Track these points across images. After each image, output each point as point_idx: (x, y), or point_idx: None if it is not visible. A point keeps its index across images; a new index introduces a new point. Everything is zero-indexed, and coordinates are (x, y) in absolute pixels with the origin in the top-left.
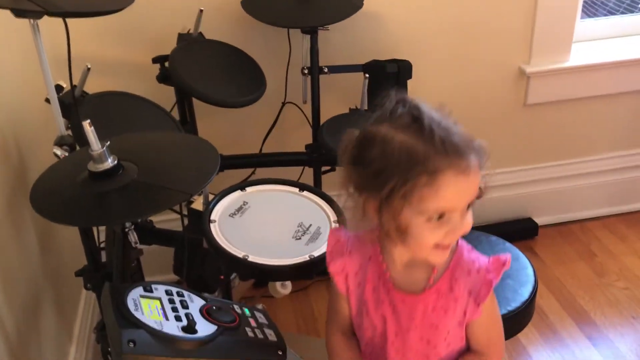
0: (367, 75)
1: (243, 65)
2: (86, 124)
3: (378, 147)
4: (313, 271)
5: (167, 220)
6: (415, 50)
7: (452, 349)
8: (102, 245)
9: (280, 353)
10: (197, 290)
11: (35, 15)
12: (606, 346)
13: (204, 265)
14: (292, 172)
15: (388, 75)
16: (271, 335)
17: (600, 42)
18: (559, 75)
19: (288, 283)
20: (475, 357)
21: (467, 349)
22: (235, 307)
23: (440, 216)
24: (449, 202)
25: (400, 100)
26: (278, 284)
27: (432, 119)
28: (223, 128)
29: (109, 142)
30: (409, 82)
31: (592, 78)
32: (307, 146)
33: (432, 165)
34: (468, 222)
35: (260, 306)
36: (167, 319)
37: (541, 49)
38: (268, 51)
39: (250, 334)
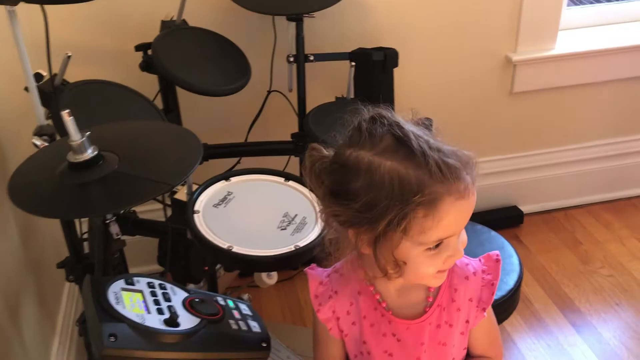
0: (353, 63)
1: (227, 53)
2: (65, 114)
3: (364, 177)
4: (299, 261)
5: (151, 210)
6: (401, 38)
7: None
8: (85, 236)
9: (264, 345)
10: (182, 281)
11: (11, 1)
12: (590, 333)
13: (188, 256)
14: (278, 161)
15: (374, 63)
16: (255, 327)
17: (586, 30)
18: (545, 64)
19: (274, 273)
20: None
21: (467, 355)
22: (219, 299)
23: (439, 244)
24: (451, 230)
25: (376, 116)
26: (264, 274)
27: (419, 138)
28: (208, 117)
29: (89, 132)
30: (395, 70)
31: (578, 66)
32: (292, 135)
33: (430, 193)
34: (464, 240)
35: (246, 296)
36: (149, 312)
37: (527, 37)
38: (253, 39)
39: (234, 326)
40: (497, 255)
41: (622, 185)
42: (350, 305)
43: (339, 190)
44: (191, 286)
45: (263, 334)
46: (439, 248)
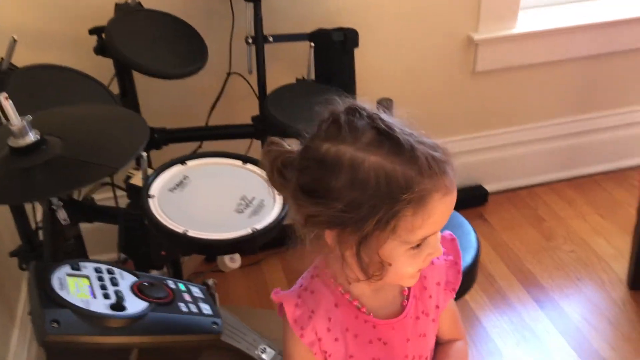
0: (312, 44)
1: (184, 35)
2: (2, 97)
3: (346, 174)
4: (256, 244)
5: (112, 197)
6: (362, 19)
7: (432, 350)
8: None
9: (215, 326)
10: (144, 268)
11: None
12: (552, 308)
13: (147, 242)
14: (241, 144)
15: (334, 44)
16: (206, 310)
17: (546, 8)
18: (506, 43)
19: (237, 257)
20: (455, 346)
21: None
22: (169, 282)
23: (421, 243)
24: (436, 227)
25: (354, 108)
26: (226, 258)
27: (404, 131)
28: (167, 101)
29: (29, 117)
30: (356, 51)
31: (539, 45)
32: (253, 118)
33: (419, 190)
34: (439, 237)
35: (210, 281)
36: (94, 297)
37: (488, 16)
38: (210, 20)
39: (184, 309)
40: (451, 234)
41: (585, 162)
42: (329, 321)
43: (316, 188)
44: (154, 272)
45: (215, 316)
46: (420, 246)
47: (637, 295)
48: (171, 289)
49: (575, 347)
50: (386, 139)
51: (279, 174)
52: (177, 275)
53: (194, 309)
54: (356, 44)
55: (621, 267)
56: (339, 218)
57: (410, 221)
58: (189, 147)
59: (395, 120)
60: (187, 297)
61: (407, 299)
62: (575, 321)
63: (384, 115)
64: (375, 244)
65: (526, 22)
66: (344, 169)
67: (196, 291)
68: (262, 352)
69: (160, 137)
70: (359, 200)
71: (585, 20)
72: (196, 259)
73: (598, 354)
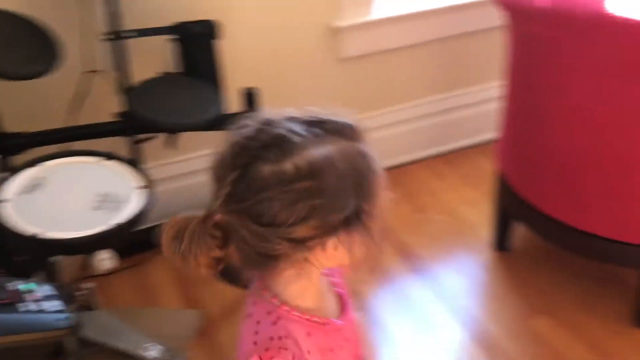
0: (173, 38)
1: (34, 34)
2: None
3: (330, 174)
4: (117, 239)
5: None
6: (226, 9)
7: None
8: None
9: (60, 322)
10: (20, 275)
11: None
12: (430, 277)
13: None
14: (109, 143)
15: (195, 37)
16: (54, 307)
17: None
18: (366, 29)
19: (108, 258)
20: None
21: None
22: (12, 284)
23: None
24: None
25: (270, 121)
26: (95, 258)
27: (328, 116)
28: (25, 103)
29: None
30: (221, 42)
31: (397, 29)
32: (119, 114)
33: (372, 154)
34: None
35: (90, 285)
36: None
37: (348, 3)
38: (64, 17)
39: (27, 308)
40: None
41: (453, 137)
42: (309, 354)
43: (318, 205)
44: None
45: (62, 312)
46: None
47: (501, 255)
48: (13, 290)
49: (451, 310)
50: (323, 126)
51: (212, 237)
52: (52, 279)
53: (37, 307)
54: (215, 36)
55: (489, 232)
56: (346, 220)
57: (380, 185)
58: (55, 150)
59: (305, 110)
60: (32, 296)
61: (341, 289)
62: (451, 286)
63: (293, 112)
64: (371, 219)
65: (382, 8)
66: (326, 170)
67: (46, 290)
68: (147, 350)
69: (18, 142)
70: (349, 187)
71: (438, 4)
72: (74, 263)
73: (471, 314)
